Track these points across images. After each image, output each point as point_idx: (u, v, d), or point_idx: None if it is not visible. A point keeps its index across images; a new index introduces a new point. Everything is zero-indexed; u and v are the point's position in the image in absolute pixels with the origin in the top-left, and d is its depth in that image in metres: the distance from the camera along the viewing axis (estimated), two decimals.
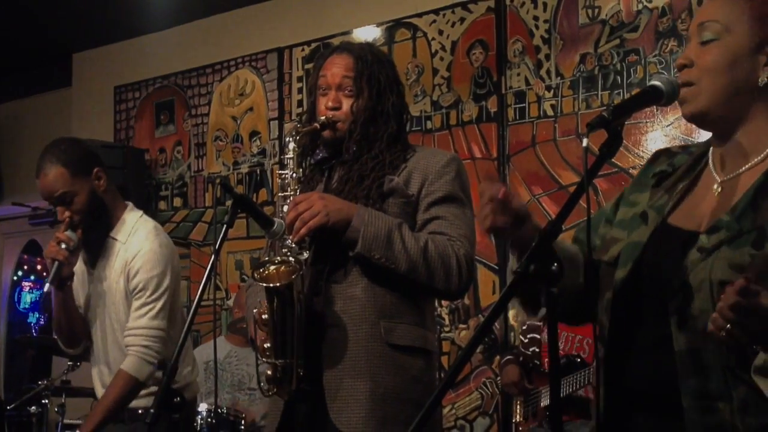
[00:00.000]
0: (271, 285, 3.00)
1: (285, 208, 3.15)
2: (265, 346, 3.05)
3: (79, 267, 4.05)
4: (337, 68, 3.28)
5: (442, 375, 6.11)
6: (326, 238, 3.11)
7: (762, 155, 2.26)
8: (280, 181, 3.24)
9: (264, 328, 3.07)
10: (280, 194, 3.22)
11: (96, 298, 4.03)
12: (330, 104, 3.25)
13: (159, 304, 3.91)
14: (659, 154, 2.54)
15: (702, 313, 2.11)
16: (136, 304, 3.91)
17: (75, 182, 3.88)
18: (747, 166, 2.26)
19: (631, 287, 2.29)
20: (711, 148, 2.38)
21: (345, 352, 3.09)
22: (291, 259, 3.03)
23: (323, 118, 3.23)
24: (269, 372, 3.05)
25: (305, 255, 3.09)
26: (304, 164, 3.28)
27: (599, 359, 2.36)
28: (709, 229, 2.20)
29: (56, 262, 3.79)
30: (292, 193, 3.18)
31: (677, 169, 2.41)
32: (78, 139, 4.15)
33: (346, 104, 3.23)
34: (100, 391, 4.06)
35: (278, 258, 3.06)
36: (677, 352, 2.15)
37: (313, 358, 3.08)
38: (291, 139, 3.20)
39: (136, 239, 3.95)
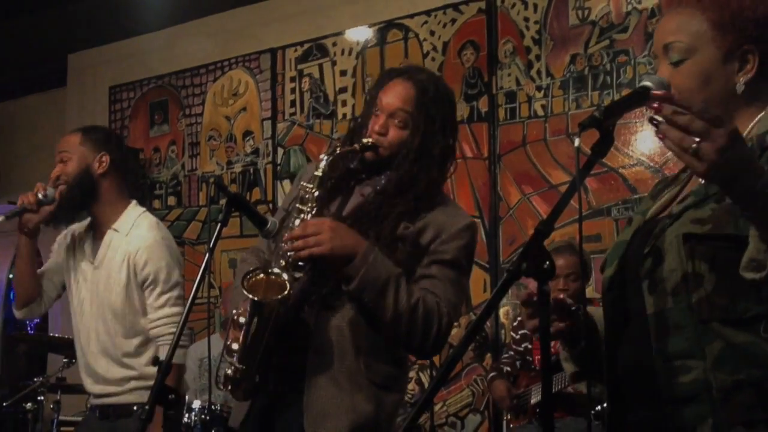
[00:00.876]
0: (256, 299, 3.02)
1: (297, 221, 3.13)
2: (233, 346, 3.04)
3: (79, 250, 4.16)
4: (395, 96, 3.20)
5: (434, 372, 6.18)
6: (327, 267, 3.12)
7: None
8: (301, 192, 3.20)
9: (237, 330, 3.06)
10: (297, 205, 3.18)
11: (88, 287, 4.11)
12: (377, 129, 3.21)
13: (175, 293, 4.04)
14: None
15: (671, 272, 2.17)
16: (153, 296, 4.02)
17: (79, 149, 4.03)
18: None
19: (619, 283, 2.33)
20: None
21: (328, 380, 3.09)
22: (284, 275, 3.05)
23: (367, 140, 3.21)
24: (228, 371, 3.05)
25: (299, 275, 3.09)
26: (327, 185, 3.26)
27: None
28: (680, 200, 2.26)
29: (22, 203, 3.91)
30: (308, 209, 3.17)
31: (669, 180, 2.46)
32: (116, 133, 4.35)
33: (393, 134, 3.17)
34: (87, 383, 4.13)
35: (272, 269, 3.06)
36: (649, 315, 2.19)
37: (291, 376, 3.08)
38: (326, 155, 3.17)
39: (138, 232, 4.04)
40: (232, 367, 3.03)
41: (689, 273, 2.15)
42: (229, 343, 3.06)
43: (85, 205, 4.06)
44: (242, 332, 3.02)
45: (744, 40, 2.27)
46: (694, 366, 2.12)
